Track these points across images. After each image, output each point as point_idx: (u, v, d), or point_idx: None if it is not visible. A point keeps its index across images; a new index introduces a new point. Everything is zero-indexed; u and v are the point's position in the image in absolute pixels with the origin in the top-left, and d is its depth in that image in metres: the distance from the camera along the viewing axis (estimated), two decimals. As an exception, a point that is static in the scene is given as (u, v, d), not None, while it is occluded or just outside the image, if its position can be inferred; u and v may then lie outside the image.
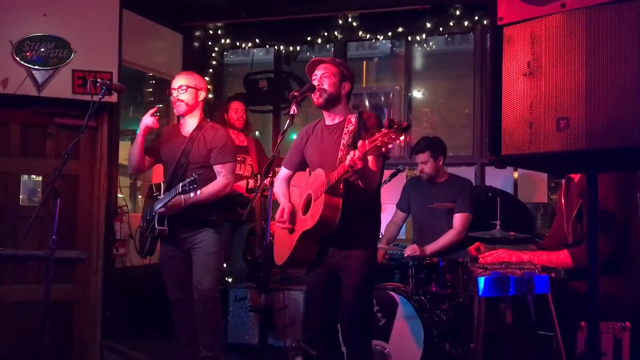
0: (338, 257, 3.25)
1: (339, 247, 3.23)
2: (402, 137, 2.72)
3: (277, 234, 3.50)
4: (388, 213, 5.02)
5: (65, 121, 4.86)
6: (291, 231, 3.32)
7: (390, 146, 2.72)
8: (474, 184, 5.10)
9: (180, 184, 3.61)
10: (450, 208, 4.56)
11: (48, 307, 3.41)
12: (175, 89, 3.91)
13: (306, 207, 3.25)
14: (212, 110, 5.92)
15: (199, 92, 3.96)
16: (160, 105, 3.98)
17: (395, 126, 2.67)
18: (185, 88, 3.89)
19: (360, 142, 2.85)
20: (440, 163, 4.67)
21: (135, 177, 6.65)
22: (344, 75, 3.35)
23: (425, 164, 4.65)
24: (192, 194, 3.59)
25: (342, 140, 3.22)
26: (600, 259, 2.13)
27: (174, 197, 3.70)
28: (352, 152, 2.85)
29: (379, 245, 4.09)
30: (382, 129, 2.72)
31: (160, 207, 3.79)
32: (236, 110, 5.31)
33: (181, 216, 3.82)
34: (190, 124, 3.98)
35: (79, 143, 4.09)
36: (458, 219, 4.54)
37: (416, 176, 4.81)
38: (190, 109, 3.93)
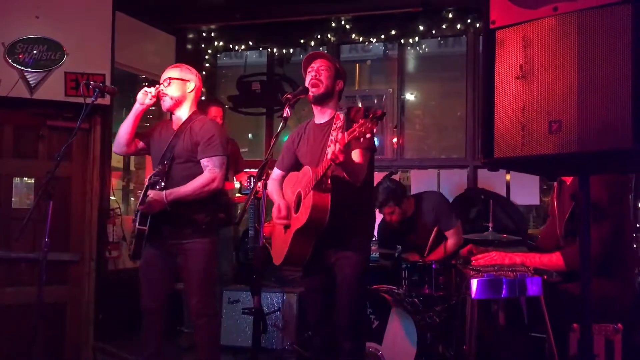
0: (332, 258, 3.24)
1: (333, 248, 3.23)
2: (376, 127, 2.70)
3: (273, 234, 3.48)
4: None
5: (58, 123, 4.86)
6: (287, 227, 3.31)
7: (368, 136, 2.71)
8: (465, 189, 5.07)
9: (148, 177, 3.48)
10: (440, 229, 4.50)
11: (41, 309, 3.39)
12: (160, 84, 3.70)
13: (297, 205, 3.24)
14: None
15: (187, 83, 3.70)
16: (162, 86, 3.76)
17: (371, 115, 2.68)
18: (168, 81, 3.66)
19: (340, 135, 2.86)
20: (404, 204, 4.58)
21: (128, 180, 6.63)
22: (339, 72, 3.37)
23: (392, 214, 4.56)
24: (157, 187, 3.47)
25: (331, 137, 3.22)
26: (593, 261, 2.14)
27: (146, 192, 3.55)
28: (332, 146, 2.86)
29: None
30: (360, 120, 2.72)
31: (139, 204, 3.60)
32: (214, 117, 5.05)
33: (168, 217, 3.58)
34: (180, 117, 3.72)
35: (71, 145, 4.09)
36: (452, 234, 4.52)
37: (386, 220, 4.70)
38: (177, 103, 3.68)
